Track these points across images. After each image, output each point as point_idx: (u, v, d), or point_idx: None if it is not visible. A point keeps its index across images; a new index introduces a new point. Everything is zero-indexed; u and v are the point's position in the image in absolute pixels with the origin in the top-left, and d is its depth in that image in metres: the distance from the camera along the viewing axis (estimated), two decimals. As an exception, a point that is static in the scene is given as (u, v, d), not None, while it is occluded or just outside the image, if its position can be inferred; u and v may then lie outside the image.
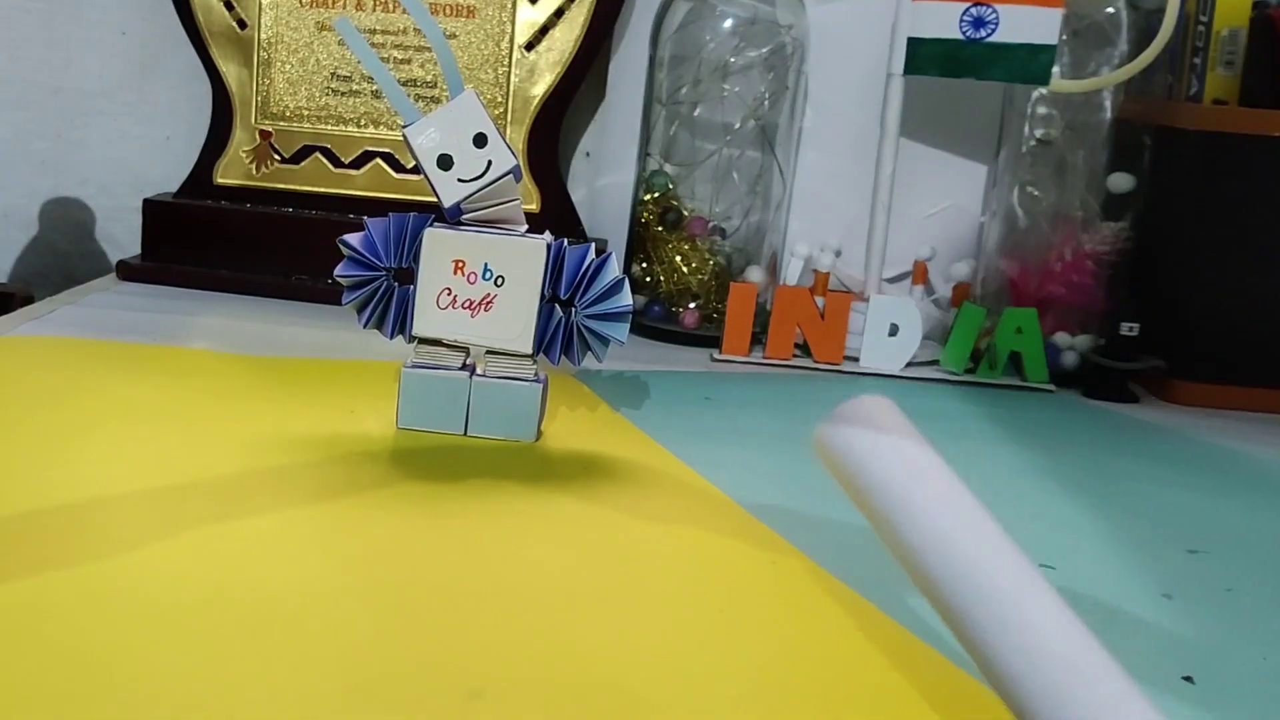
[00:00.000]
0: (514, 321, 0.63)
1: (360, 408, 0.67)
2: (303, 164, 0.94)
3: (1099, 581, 0.53)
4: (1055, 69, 0.85)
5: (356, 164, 0.93)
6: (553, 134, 0.92)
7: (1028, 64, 0.84)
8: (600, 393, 0.74)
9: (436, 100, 0.92)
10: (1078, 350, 0.88)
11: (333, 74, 0.93)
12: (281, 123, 0.94)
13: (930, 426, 0.77)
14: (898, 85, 0.88)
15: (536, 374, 0.65)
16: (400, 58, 0.92)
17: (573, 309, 0.64)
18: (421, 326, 0.64)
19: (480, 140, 0.63)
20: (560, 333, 0.64)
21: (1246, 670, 0.46)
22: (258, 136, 0.94)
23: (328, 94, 0.93)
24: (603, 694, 0.40)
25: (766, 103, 0.90)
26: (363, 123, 0.93)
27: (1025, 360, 0.85)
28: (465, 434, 0.64)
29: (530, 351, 0.64)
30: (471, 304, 0.64)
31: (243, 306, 0.88)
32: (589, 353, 0.64)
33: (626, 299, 0.63)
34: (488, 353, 0.64)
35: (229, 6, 0.93)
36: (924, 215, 0.98)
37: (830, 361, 0.85)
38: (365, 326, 0.65)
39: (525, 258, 0.63)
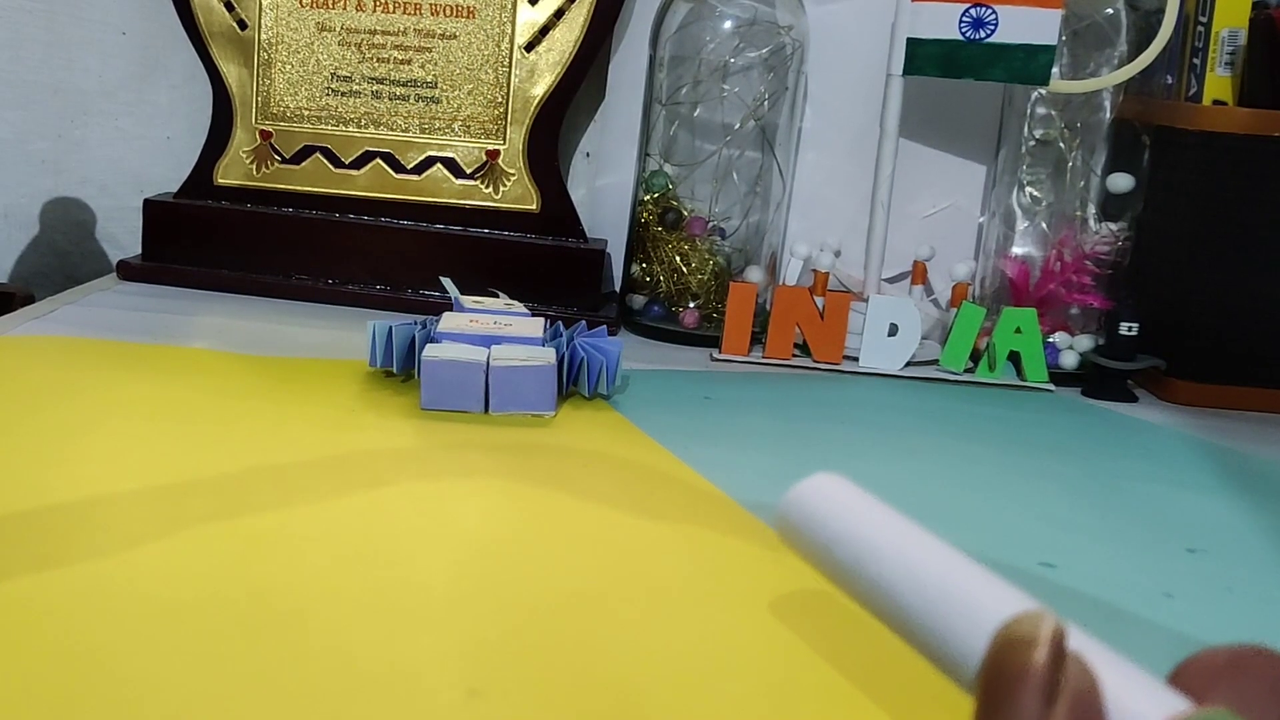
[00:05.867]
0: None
1: (360, 406, 0.67)
2: (303, 164, 0.94)
3: (1100, 581, 0.53)
4: (1055, 69, 0.85)
5: (357, 164, 0.93)
6: (553, 134, 0.92)
7: (1027, 64, 0.84)
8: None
9: (436, 100, 0.92)
10: (1077, 350, 0.89)
11: (333, 74, 0.93)
12: (282, 123, 0.94)
13: (930, 426, 0.78)
14: (897, 85, 0.88)
15: (545, 344, 0.69)
16: (400, 58, 0.92)
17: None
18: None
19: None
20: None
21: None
22: (258, 137, 0.94)
23: (328, 94, 0.93)
24: (602, 692, 0.40)
25: (766, 103, 0.90)
26: (363, 123, 0.93)
27: (1025, 360, 0.85)
28: (486, 411, 0.66)
29: (542, 336, 0.70)
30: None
31: (243, 306, 0.88)
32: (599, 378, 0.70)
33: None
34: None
35: (229, 7, 0.93)
36: (924, 215, 0.98)
37: (830, 361, 0.85)
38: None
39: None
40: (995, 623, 0.21)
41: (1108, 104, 0.91)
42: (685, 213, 0.91)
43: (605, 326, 0.75)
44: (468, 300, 0.76)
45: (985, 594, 0.22)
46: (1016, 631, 0.20)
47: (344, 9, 0.92)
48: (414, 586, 0.46)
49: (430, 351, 0.66)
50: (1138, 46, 0.87)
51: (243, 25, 0.93)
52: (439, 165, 0.93)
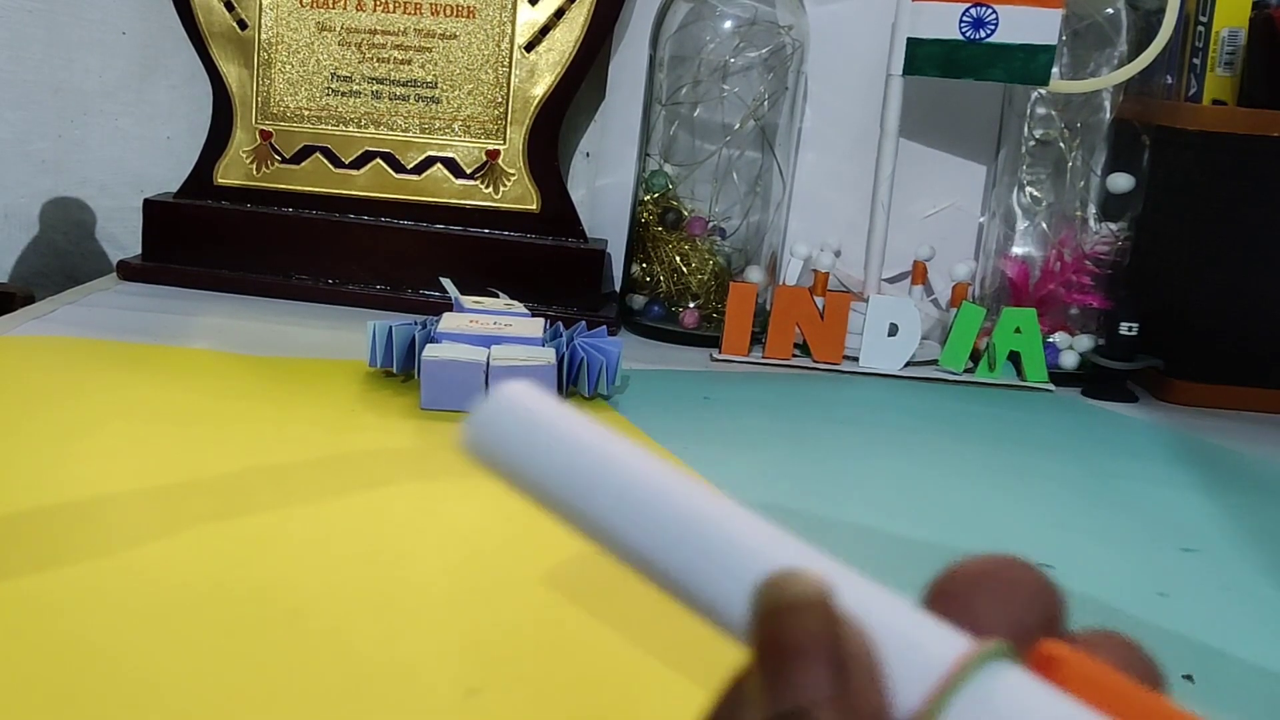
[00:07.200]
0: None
1: (360, 407, 0.67)
2: (303, 164, 0.94)
3: (1096, 579, 0.53)
4: (1055, 69, 0.85)
5: (356, 164, 0.93)
6: (553, 134, 0.92)
7: (1027, 65, 0.84)
8: (600, 392, 0.74)
9: (436, 100, 0.92)
10: (1077, 350, 0.88)
11: (333, 74, 0.93)
12: (282, 123, 0.94)
13: (930, 426, 0.78)
14: (897, 85, 0.88)
15: (545, 344, 0.69)
16: (400, 58, 0.92)
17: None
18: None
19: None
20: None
21: (1245, 668, 0.46)
22: (258, 137, 0.94)
23: (328, 94, 0.93)
24: (600, 691, 0.40)
25: (766, 103, 0.90)
26: (363, 123, 0.93)
27: (1024, 360, 0.85)
28: None
29: (542, 336, 0.70)
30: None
31: (243, 306, 0.88)
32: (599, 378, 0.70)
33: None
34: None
35: (229, 7, 0.93)
36: (924, 215, 0.98)
37: (829, 361, 0.85)
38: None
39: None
40: (751, 563, 0.20)
41: (1108, 104, 0.91)
42: (685, 213, 0.91)
43: (605, 326, 0.75)
44: (468, 300, 0.76)
45: (738, 530, 0.20)
46: (785, 595, 0.19)
47: (344, 9, 0.92)
48: (413, 586, 0.46)
49: (430, 351, 0.66)
50: (1138, 46, 0.87)
51: (243, 25, 0.93)
52: (439, 165, 0.93)
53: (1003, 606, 0.20)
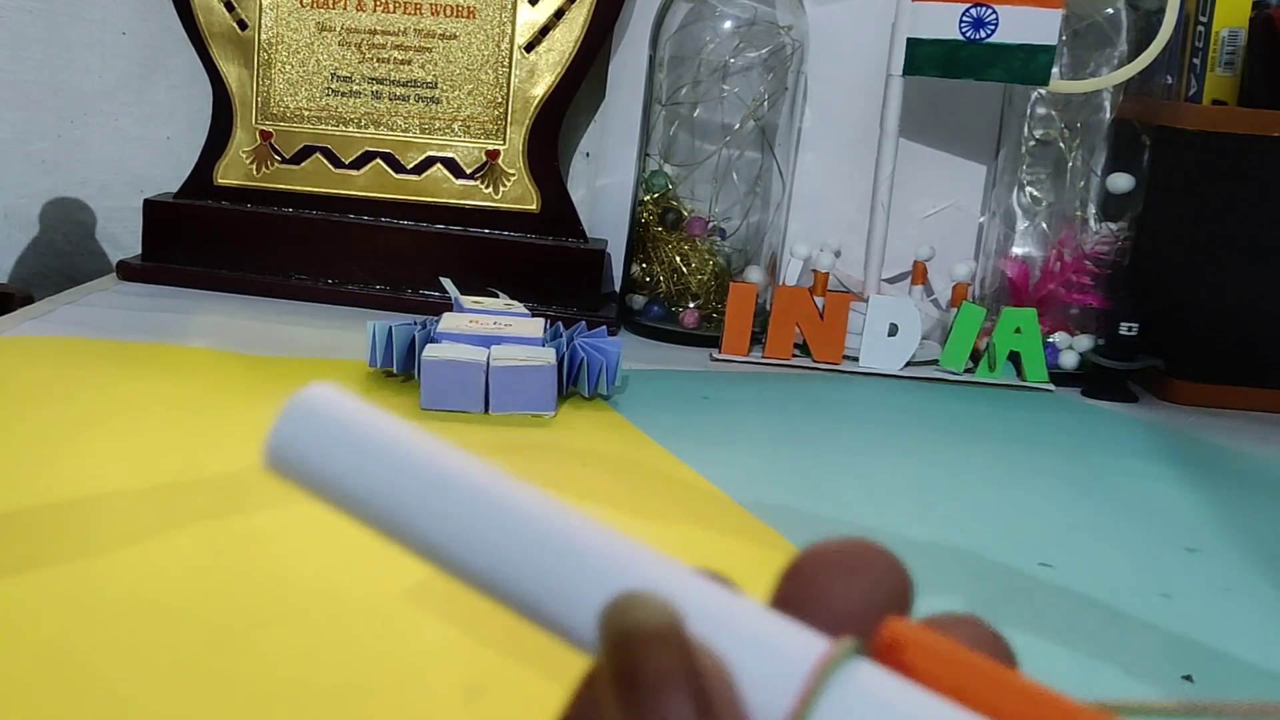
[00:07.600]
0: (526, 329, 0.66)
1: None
2: (303, 164, 0.94)
3: (1097, 580, 0.53)
4: (1055, 69, 0.85)
5: (356, 164, 0.93)
6: (553, 134, 0.92)
7: (1027, 65, 0.84)
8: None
9: (436, 101, 0.92)
10: (1077, 350, 0.88)
11: (333, 74, 0.93)
12: (282, 123, 0.94)
13: (930, 426, 0.78)
14: (897, 85, 0.88)
15: (545, 344, 0.69)
16: (400, 58, 0.92)
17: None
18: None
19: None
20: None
21: (1246, 669, 0.46)
22: (258, 137, 0.94)
23: (328, 94, 0.93)
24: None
25: (766, 103, 0.90)
26: (363, 123, 0.93)
27: (1024, 360, 0.85)
28: (486, 412, 0.67)
29: (542, 336, 0.70)
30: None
31: (242, 306, 0.88)
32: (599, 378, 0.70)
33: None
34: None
35: (229, 7, 0.93)
36: (924, 215, 0.98)
37: (829, 361, 0.85)
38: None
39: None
40: (594, 575, 0.19)
41: (1108, 104, 0.91)
42: (685, 213, 0.91)
43: (605, 326, 0.75)
44: (468, 300, 0.76)
45: (576, 538, 0.19)
46: (634, 623, 0.18)
47: (344, 9, 0.92)
48: (413, 586, 0.46)
49: (430, 351, 0.66)
50: (1138, 46, 0.87)
51: (243, 25, 0.93)
52: (439, 165, 0.93)
53: (852, 588, 0.20)
